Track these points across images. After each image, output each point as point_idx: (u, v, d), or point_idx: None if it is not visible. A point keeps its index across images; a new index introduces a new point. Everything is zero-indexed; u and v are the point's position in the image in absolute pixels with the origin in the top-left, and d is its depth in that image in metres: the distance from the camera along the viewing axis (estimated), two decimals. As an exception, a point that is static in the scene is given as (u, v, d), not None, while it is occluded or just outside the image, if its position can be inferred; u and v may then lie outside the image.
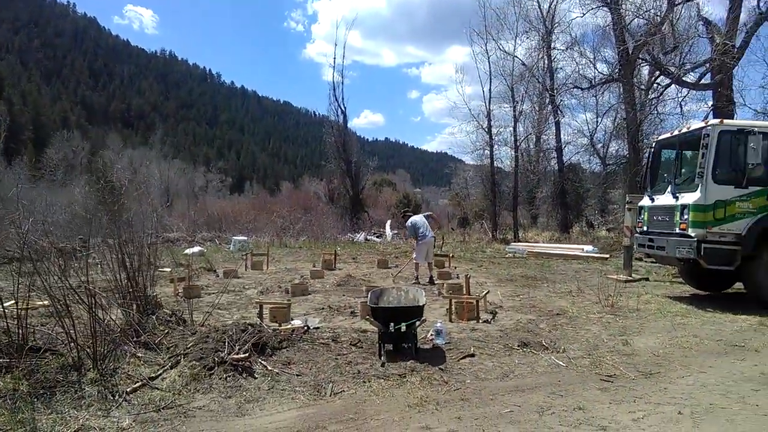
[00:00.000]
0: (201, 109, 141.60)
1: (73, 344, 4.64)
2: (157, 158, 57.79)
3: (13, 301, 5.14)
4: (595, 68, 22.56)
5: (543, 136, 28.74)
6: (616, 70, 21.29)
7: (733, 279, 9.81)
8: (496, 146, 26.52)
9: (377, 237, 26.84)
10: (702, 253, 8.29)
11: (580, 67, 22.85)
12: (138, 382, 4.52)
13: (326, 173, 38.48)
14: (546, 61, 25.82)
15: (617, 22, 19.64)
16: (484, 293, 8.55)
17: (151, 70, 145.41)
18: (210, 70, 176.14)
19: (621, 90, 22.11)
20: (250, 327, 5.77)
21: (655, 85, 22.18)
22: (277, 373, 4.97)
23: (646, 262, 14.19)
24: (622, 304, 8.50)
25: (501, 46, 25.72)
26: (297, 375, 4.99)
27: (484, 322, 7.43)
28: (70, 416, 3.94)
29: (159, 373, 4.75)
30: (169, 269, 11.70)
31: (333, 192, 35.08)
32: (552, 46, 25.31)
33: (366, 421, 4.01)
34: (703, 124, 8.93)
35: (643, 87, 22.21)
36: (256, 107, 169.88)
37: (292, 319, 7.35)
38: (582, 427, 3.88)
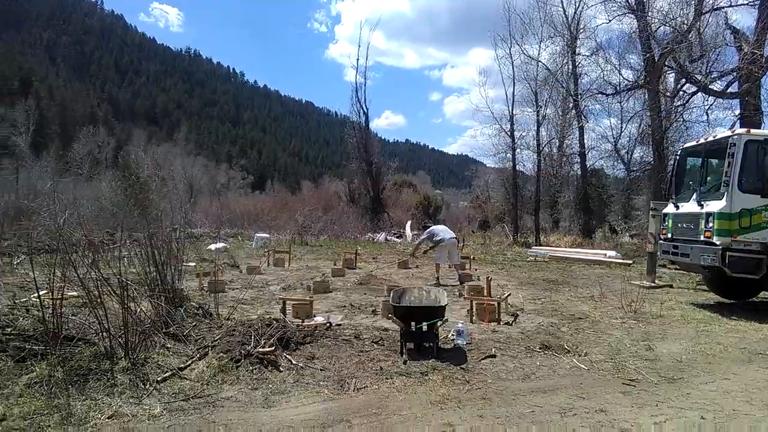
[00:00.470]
0: (224, 108, 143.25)
1: (105, 334, 4.79)
2: (181, 155, 58.60)
3: (45, 291, 5.30)
4: (620, 74, 22.41)
5: (566, 140, 28.60)
6: (642, 77, 21.09)
7: (758, 288, 9.70)
8: (518, 150, 26.48)
9: (397, 237, 26.94)
10: (726, 262, 8.22)
11: (605, 73, 22.73)
12: (168, 372, 4.65)
13: (347, 173, 38.76)
14: (570, 66, 25.65)
15: (643, 29, 19.44)
16: (505, 295, 8.57)
17: (176, 68, 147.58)
18: (234, 69, 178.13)
19: (646, 97, 21.90)
20: (275, 322, 5.89)
21: (681, 92, 21.92)
22: (302, 367, 5.08)
23: (669, 268, 14.05)
24: (646, 310, 8.45)
25: (525, 51, 25.71)
26: (321, 370, 5.09)
27: (506, 324, 7.45)
28: (103, 402, 4.07)
29: (188, 363, 4.88)
30: (193, 264, 11.90)
31: (354, 192, 35.27)
32: (576, 51, 25.14)
33: (389, 417, 4.08)
34: (729, 133, 8.86)
35: (668, 94, 21.96)
36: (278, 107, 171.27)
37: (315, 316, 7.45)
38: (604, 429, 3.91)
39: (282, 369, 4.99)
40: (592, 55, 24.21)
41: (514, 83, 25.68)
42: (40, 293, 5.15)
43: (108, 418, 3.84)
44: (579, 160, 27.14)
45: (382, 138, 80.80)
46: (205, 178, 60.94)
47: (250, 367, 4.88)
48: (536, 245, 22.09)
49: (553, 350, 6.08)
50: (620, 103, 24.42)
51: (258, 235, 20.95)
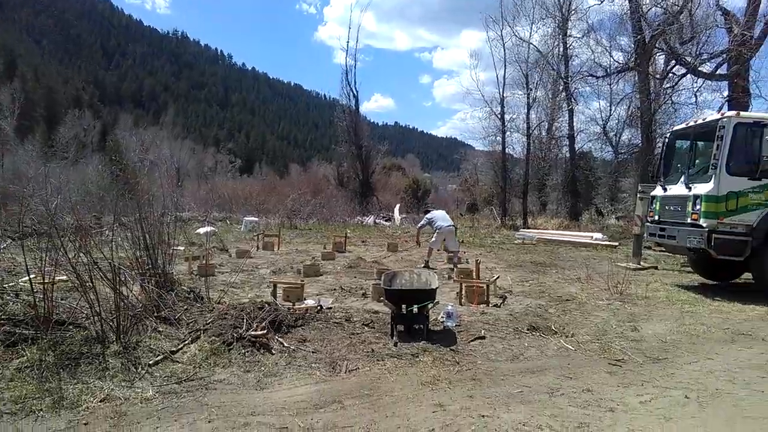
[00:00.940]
0: (212, 90, 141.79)
1: (96, 318, 4.79)
2: (168, 138, 58.02)
3: (33, 275, 5.27)
4: (611, 56, 22.43)
5: (555, 123, 28.68)
6: (632, 59, 21.13)
7: (741, 270, 9.85)
8: (508, 133, 26.51)
9: (386, 221, 26.98)
10: (712, 244, 8.34)
11: (596, 55, 22.76)
12: (160, 355, 4.67)
13: (336, 156, 38.61)
14: (561, 49, 25.68)
15: (635, 11, 19.47)
16: (494, 278, 8.65)
17: (164, 51, 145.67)
18: (221, 51, 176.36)
19: (636, 79, 21.97)
20: (266, 305, 5.92)
21: (670, 74, 22.01)
22: (294, 349, 5.12)
23: (655, 251, 14.24)
24: (631, 292, 8.57)
25: (516, 33, 25.63)
26: (313, 352, 5.13)
27: (494, 306, 7.54)
28: (95, 386, 4.09)
29: (180, 347, 4.90)
30: (182, 248, 11.86)
31: (343, 175, 35.21)
32: (567, 33, 25.14)
33: (381, 397, 4.14)
34: (718, 116, 8.92)
35: (658, 76, 22.06)
36: (266, 89, 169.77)
37: (306, 299, 7.49)
38: (590, 408, 4.00)
39: (274, 352, 5.03)
40: (583, 36, 24.28)
41: (505, 65, 25.66)
42: (25, 278, 5.13)
43: (100, 401, 3.86)
44: (568, 143, 27.31)
45: (372, 121, 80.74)
46: (193, 161, 60.46)
47: (242, 350, 4.91)
48: (524, 228, 22.22)
49: (541, 331, 6.18)
50: (610, 85, 24.53)
51: (247, 218, 20.87)
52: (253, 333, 5.11)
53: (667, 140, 10.46)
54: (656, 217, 10.04)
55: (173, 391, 4.13)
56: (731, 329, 6.60)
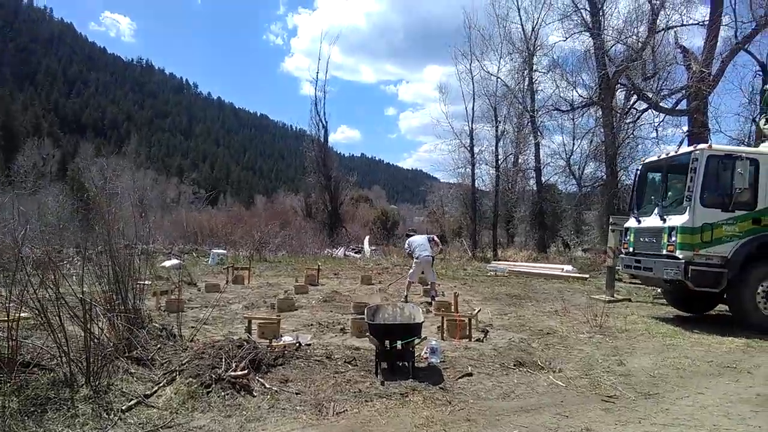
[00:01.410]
0: (176, 120, 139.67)
1: (65, 359, 4.45)
2: (130, 168, 56.79)
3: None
4: (576, 91, 22.98)
5: (522, 155, 29.09)
6: (596, 94, 21.69)
7: (716, 301, 9.98)
8: (476, 165, 26.74)
9: (356, 253, 26.74)
10: (689, 275, 8.40)
11: (560, 89, 23.28)
12: (133, 399, 4.35)
13: (304, 187, 38.36)
14: (527, 83, 26.20)
15: (599, 47, 20.07)
16: (476, 311, 8.52)
17: (127, 79, 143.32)
18: (186, 80, 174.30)
19: (599, 113, 22.53)
20: (245, 343, 5.63)
21: (632, 109, 22.63)
22: (276, 391, 4.84)
23: (626, 282, 14.37)
24: (610, 325, 8.54)
25: (485, 67, 26.12)
26: (296, 393, 4.87)
27: (477, 340, 7.39)
28: (63, 435, 3.76)
29: (154, 390, 4.58)
30: (149, 282, 11.38)
31: (311, 206, 34.91)
32: (534, 68, 25.73)
33: (373, 442, 3.91)
34: (691, 149, 9.11)
35: (620, 111, 22.66)
36: (232, 119, 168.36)
37: (282, 336, 7.20)
38: (592, 450, 3.85)
39: (256, 393, 4.75)
40: (548, 72, 24.83)
41: (473, 99, 26.15)
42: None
43: (70, 453, 3.54)
44: (534, 176, 27.67)
45: (339, 152, 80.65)
46: (155, 191, 59.22)
47: (222, 393, 4.62)
48: (495, 260, 22.27)
49: (528, 367, 6.05)
50: (573, 119, 25.10)
51: (214, 251, 20.39)
52: (232, 373, 4.82)
53: (639, 172, 10.62)
54: (631, 249, 10.10)
55: (150, 440, 3.83)
56: (715, 362, 6.58)
